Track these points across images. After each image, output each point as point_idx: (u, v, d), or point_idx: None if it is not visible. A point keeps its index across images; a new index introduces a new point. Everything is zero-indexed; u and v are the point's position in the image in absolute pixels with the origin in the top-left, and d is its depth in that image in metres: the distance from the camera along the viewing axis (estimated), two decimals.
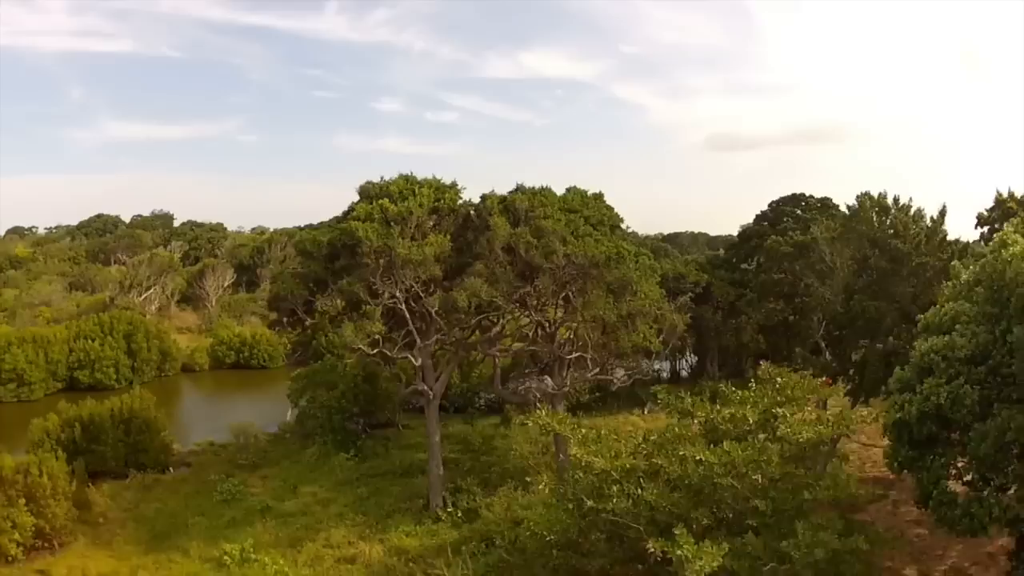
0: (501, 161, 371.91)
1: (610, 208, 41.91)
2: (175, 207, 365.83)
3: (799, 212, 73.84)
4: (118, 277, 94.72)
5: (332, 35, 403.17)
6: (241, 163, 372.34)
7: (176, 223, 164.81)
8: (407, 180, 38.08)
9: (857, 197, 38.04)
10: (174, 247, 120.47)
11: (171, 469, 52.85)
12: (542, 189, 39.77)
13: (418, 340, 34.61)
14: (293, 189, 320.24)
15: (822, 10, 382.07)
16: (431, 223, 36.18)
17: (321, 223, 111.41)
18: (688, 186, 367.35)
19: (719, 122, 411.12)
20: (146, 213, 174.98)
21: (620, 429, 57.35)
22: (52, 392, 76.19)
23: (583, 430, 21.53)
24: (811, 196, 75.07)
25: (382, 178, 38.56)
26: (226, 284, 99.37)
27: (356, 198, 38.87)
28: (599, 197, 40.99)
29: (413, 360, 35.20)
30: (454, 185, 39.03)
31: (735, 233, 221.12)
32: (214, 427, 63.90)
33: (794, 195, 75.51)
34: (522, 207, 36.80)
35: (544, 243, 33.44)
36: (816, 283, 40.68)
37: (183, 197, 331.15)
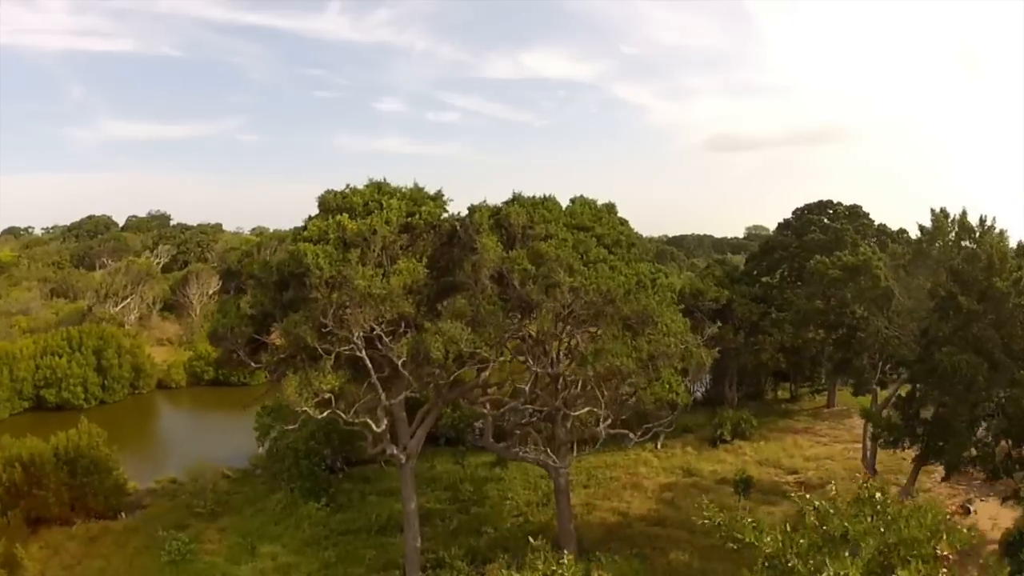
0: (502, 162, 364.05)
1: (625, 222, 33.97)
2: (176, 207, 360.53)
3: (826, 220, 65.84)
4: (95, 285, 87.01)
5: (333, 35, 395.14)
6: (241, 163, 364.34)
7: (174, 223, 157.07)
8: (377, 188, 30.16)
9: (932, 216, 29.87)
10: (161, 251, 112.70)
11: (123, 514, 45.60)
12: (544, 199, 31.81)
13: (383, 396, 26.71)
14: (294, 189, 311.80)
15: (821, 11, 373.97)
16: (403, 243, 28.27)
17: None
18: (689, 187, 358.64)
19: (719, 123, 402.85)
20: (143, 214, 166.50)
21: (634, 469, 49.86)
22: (17, 412, 69.50)
23: None
24: (839, 203, 66.95)
25: (348, 186, 30.71)
26: (211, 291, 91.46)
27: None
28: (612, 209, 33.00)
29: (374, 426, 27.19)
30: (438, 195, 31.10)
31: (740, 235, 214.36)
32: (183, 456, 57.37)
33: (820, 202, 67.36)
34: (518, 223, 28.85)
35: (545, 272, 25.49)
36: (877, 319, 32.38)
37: (183, 197, 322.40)
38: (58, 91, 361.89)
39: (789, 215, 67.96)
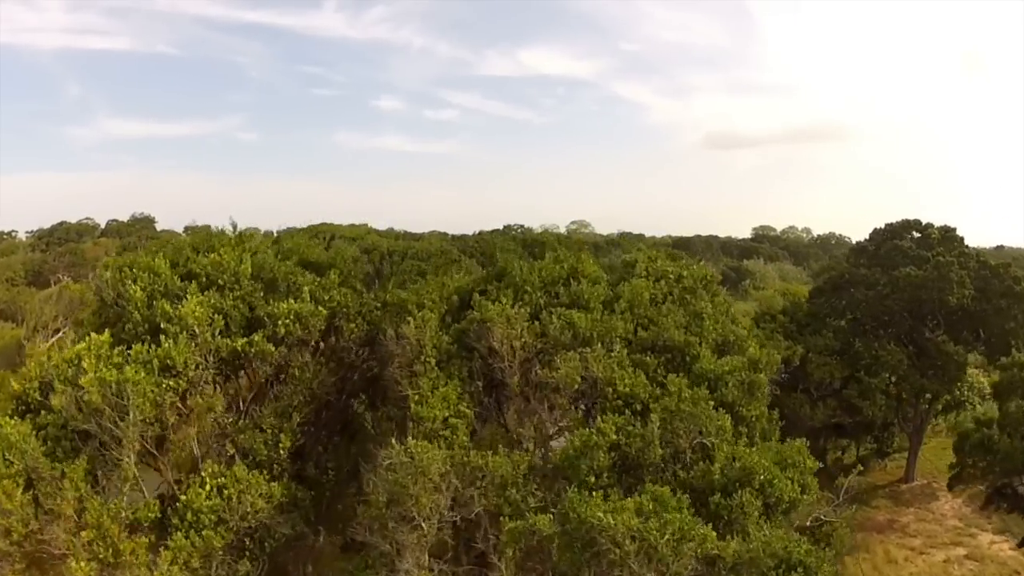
0: (501, 160, 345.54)
1: (725, 302, 16.08)
2: (176, 206, 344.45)
3: (913, 246, 48.01)
4: (27, 314, 69.91)
5: (331, 32, 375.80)
6: (241, 162, 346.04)
7: (182, 226, 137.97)
8: (211, 242, 12.50)
9: None
10: None
11: None
12: (558, 254, 13.97)
13: None
14: (295, 188, 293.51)
15: (822, 10, 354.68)
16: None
17: (323, 224, 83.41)
18: (690, 186, 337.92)
19: (719, 121, 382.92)
20: (137, 215, 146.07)
21: None
22: None
23: None
24: (928, 224, 48.97)
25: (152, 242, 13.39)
26: None
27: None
28: (711, 284, 15.25)
29: None
30: (334, 262, 13.49)
31: (747, 236, 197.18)
32: None
33: (905, 221, 49.28)
34: (508, 344, 11.09)
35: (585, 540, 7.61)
36: None
37: (183, 196, 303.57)
38: (56, 90, 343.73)
39: (865, 237, 50.22)
